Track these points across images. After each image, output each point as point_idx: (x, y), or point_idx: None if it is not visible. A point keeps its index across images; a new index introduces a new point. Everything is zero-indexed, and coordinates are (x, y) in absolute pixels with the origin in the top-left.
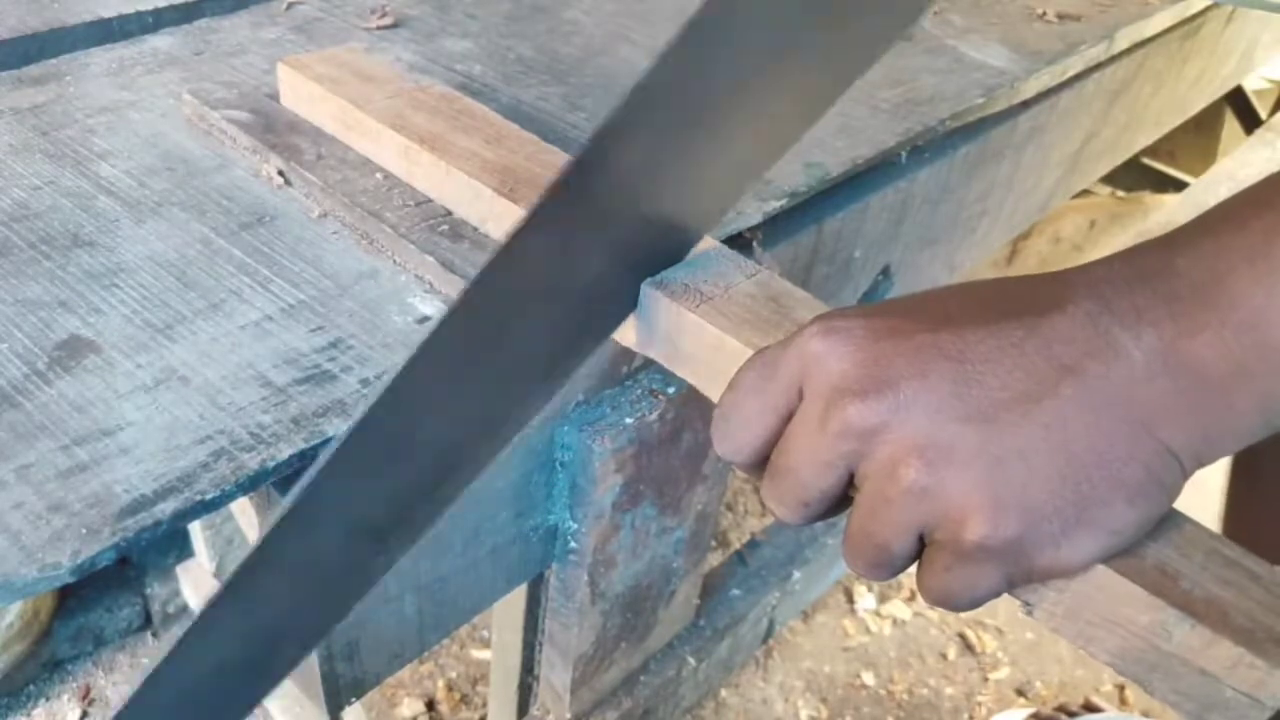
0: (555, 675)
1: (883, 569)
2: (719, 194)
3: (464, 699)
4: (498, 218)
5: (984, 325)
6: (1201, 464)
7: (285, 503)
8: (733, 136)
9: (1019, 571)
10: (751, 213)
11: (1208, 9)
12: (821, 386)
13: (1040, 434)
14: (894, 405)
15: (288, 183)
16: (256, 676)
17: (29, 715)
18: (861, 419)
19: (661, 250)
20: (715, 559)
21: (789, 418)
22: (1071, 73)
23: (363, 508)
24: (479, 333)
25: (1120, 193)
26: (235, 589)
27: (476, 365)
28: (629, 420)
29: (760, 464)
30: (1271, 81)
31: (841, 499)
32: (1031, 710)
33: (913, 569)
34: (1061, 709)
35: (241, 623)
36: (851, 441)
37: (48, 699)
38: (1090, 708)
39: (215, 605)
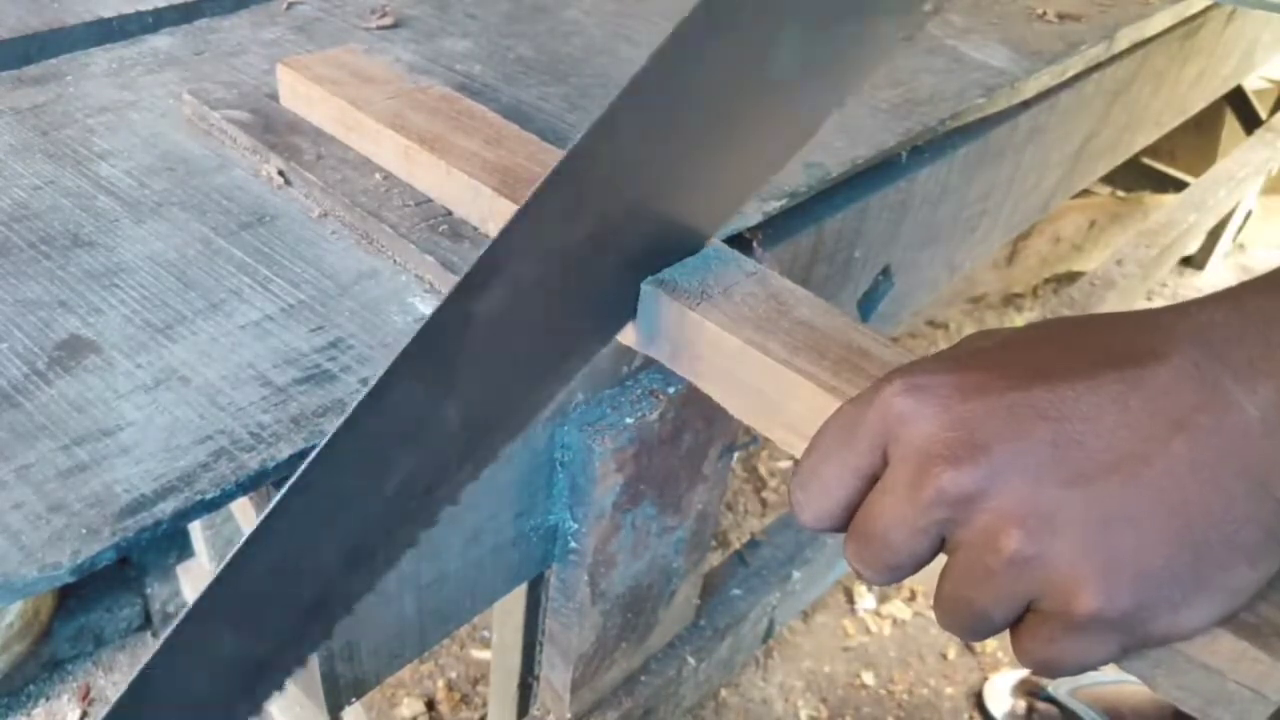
0: (555, 675)
1: (980, 634)
2: (723, 197)
3: (464, 699)
4: (498, 218)
5: (1081, 378)
6: None
7: (276, 499)
8: (737, 139)
9: (1134, 640)
10: (751, 213)
11: (1208, 9)
12: (909, 451)
13: (1152, 496)
14: (989, 471)
15: (288, 183)
16: (255, 678)
17: (29, 715)
18: (956, 487)
19: (665, 251)
20: (715, 559)
21: (873, 480)
22: (1071, 73)
23: (353, 511)
24: (473, 335)
25: (1120, 193)
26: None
27: (472, 367)
28: (629, 420)
29: (844, 527)
30: (1271, 81)
31: (931, 558)
32: (1023, 674)
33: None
34: None
35: (235, 614)
36: (945, 510)
37: (48, 699)
38: None
39: (207, 596)
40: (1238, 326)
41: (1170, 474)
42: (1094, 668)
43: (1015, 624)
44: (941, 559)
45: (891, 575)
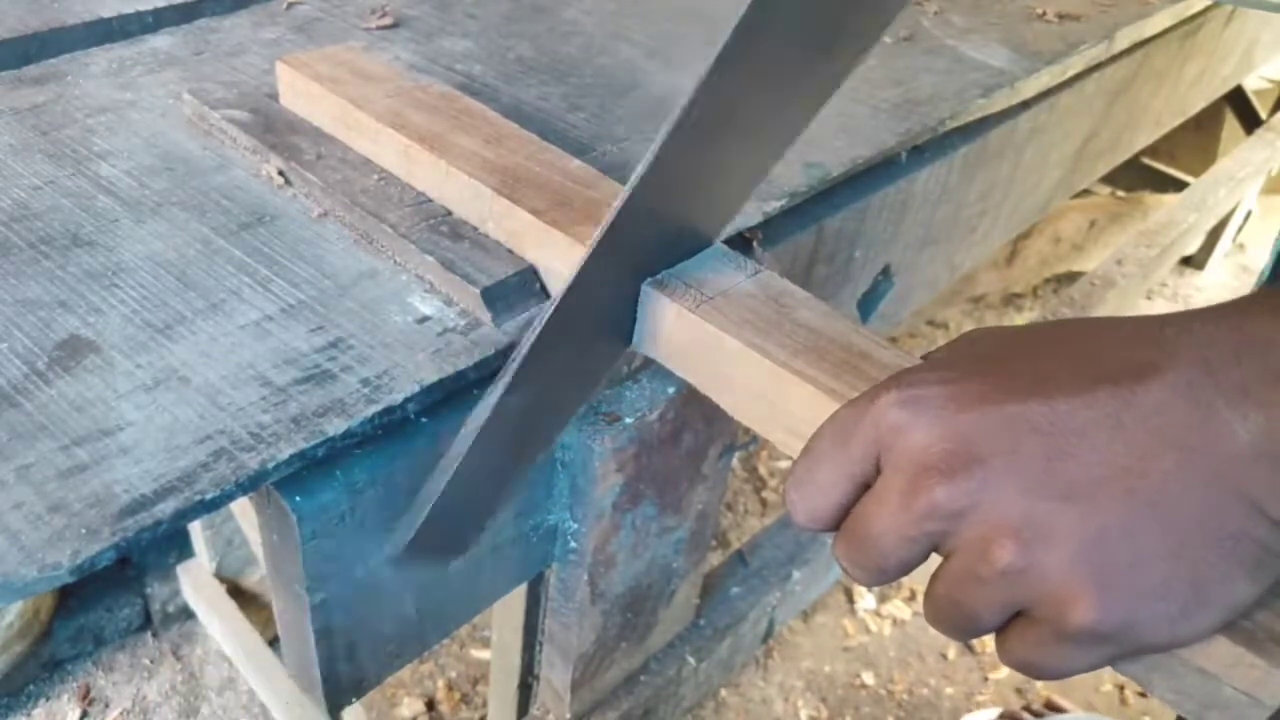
0: (555, 675)
1: (968, 634)
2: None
3: (464, 699)
4: (497, 217)
5: (1076, 393)
6: None
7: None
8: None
9: (1127, 650)
10: (751, 213)
11: (1208, 9)
12: (903, 462)
13: (1146, 511)
14: (983, 484)
15: (288, 183)
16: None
17: (29, 715)
18: (950, 500)
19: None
20: (715, 559)
21: (866, 485)
22: (1071, 73)
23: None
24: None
25: (1120, 193)
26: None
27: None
28: (629, 420)
29: (837, 527)
30: (1271, 81)
31: (920, 562)
32: (999, 710)
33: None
34: (1026, 708)
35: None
36: (938, 522)
37: (48, 699)
38: (1053, 707)
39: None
40: (1236, 348)
41: (1163, 490)
42: (1080, 673)
43: (1003, 626)
44: (935, 558)
45: (880, 577)
